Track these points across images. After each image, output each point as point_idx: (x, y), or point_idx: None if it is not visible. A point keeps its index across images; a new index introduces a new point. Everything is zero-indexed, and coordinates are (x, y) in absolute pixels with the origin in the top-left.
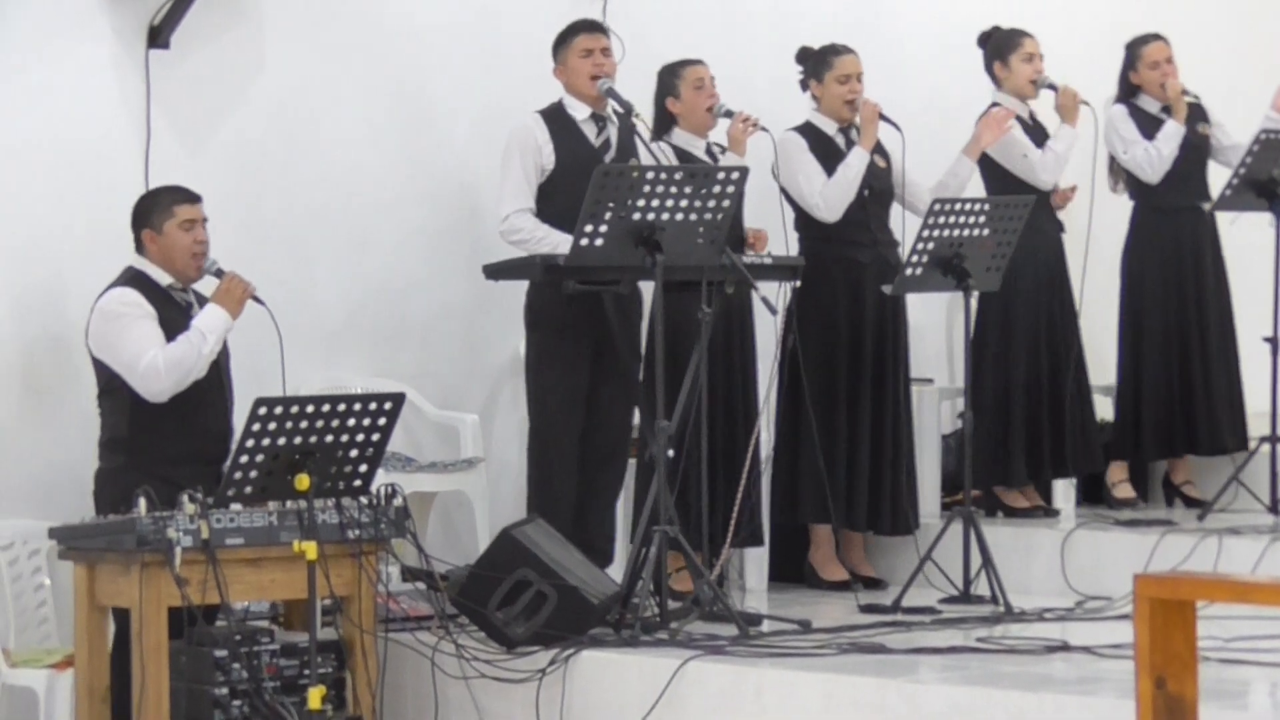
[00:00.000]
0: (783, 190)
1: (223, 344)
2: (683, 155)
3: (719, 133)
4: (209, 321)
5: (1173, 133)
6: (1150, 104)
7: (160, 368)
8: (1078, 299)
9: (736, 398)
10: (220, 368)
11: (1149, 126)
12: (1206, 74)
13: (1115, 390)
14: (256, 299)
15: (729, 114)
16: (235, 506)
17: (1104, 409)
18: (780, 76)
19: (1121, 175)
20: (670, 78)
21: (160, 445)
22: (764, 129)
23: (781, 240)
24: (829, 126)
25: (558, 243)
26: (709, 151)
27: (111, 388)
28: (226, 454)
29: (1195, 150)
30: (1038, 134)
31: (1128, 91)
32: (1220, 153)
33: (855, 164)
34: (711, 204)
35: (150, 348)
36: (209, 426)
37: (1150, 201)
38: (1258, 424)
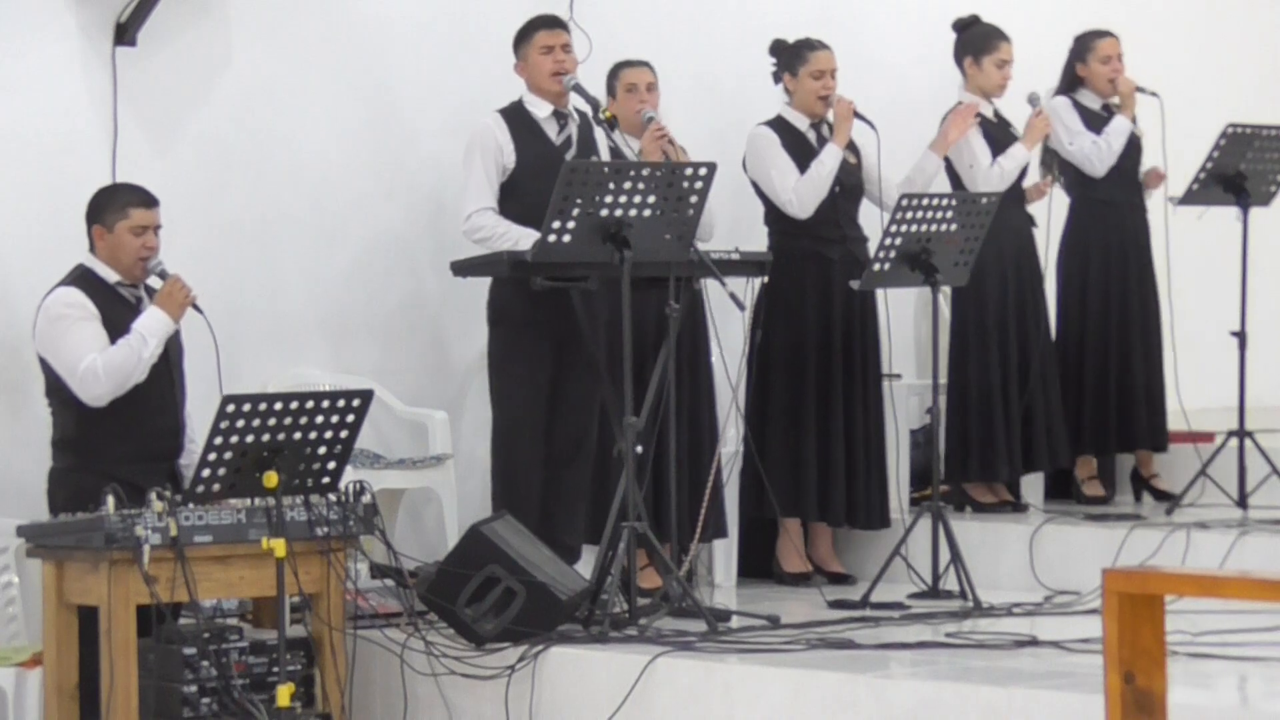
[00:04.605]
0: (753, 184)
1: (176, 339)
2: (618, 155)
3: None
4: (150, 325)
5: (1122, 128)
6: (1092, 100)
7: (100, 372)
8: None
9: (701, 394)
10: (171, 363)
11: (1091, 122)
12: (1163, 74)
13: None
14: (196, 307)
15: (650, 120)
16: (191, 505)
17: None
18: (747, 72)
19: (1055, 168)
20: (610, 79)
21: (109, 444)
22: (673, 142)
23: (742, 234)
24: (801, 122)
25: (518, 238)
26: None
27: (58, 386)
28: (178, 450)
29: (1132, 148)
30: (1002, 130)
31: (1070, 84)
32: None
33: (829, 162)
34: (680, 200)
35: (90, 352)
36: (159, 424)
37: (1090, 195)
38: (1180, 420)
